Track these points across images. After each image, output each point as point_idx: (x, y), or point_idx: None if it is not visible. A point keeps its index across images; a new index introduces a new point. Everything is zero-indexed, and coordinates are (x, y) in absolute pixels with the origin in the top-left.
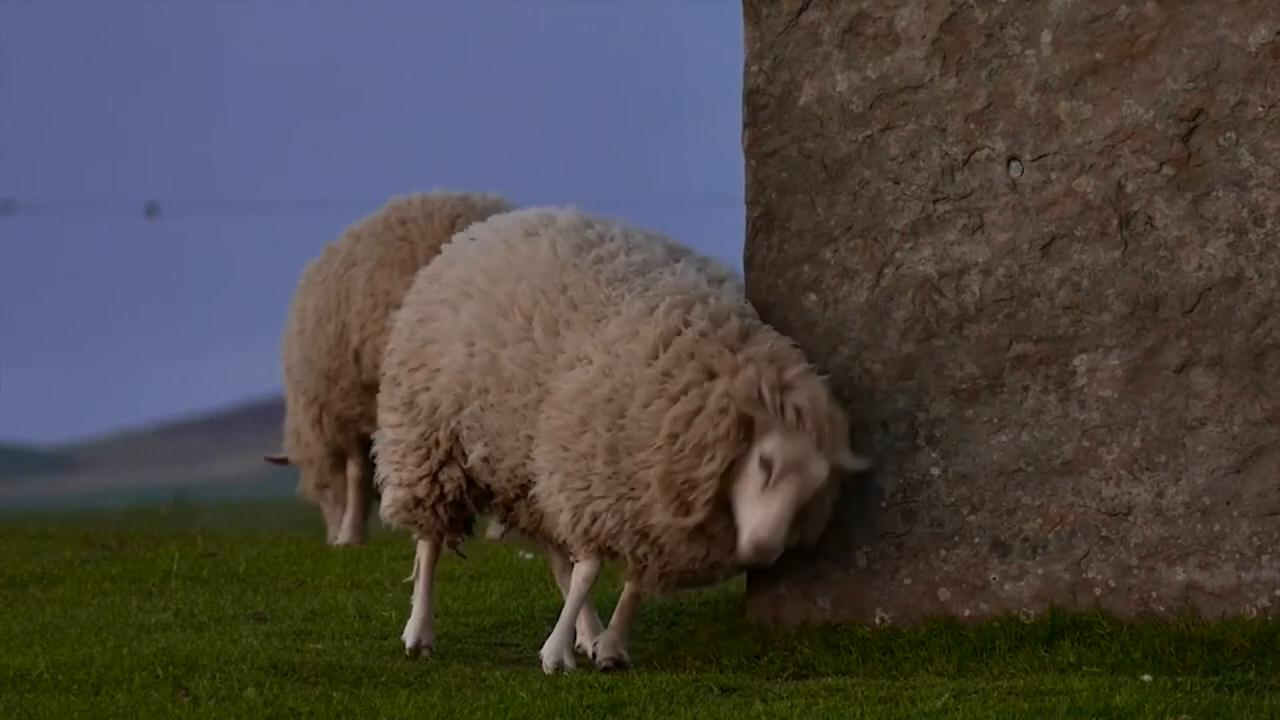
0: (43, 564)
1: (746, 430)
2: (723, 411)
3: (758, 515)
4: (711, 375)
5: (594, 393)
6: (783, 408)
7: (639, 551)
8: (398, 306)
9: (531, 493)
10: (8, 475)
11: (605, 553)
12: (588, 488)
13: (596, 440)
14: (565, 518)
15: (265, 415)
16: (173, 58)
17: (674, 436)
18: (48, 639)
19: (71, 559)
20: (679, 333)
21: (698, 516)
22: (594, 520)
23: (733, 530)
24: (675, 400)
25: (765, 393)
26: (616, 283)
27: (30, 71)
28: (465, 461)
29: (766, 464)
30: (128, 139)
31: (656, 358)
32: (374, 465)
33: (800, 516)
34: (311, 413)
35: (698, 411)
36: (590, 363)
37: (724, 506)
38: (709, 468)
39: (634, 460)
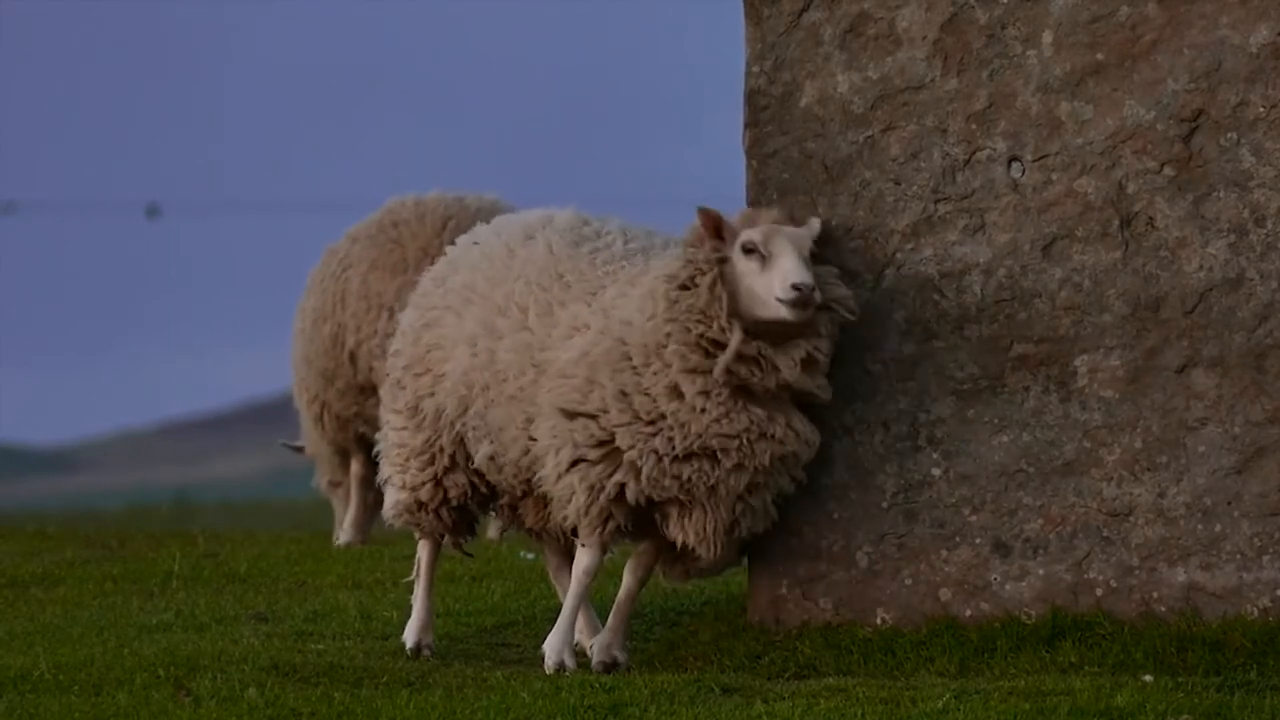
0: (43, 564)
1: (720, 252)
2: (689, 263)
3: (775, 275)
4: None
5: (594, 351)
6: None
7: (688, 478)
8: (390, 308)
9: (538, 476)
10: (8, 475)
11: (621, 531)
12: (607, 453)
13: (604, 392)
14: (581, 499)
15: (266, 415)
16: (174, 58)
17: (672, 305)
18: (49, 639)
19: (72, 559)
20: (670, 273)
21: (736, 337)
22: (621, 489)
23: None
24: (671, 301)
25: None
26: (613, 262)
27: (31, 71)
28: (471, 464)
29: (749, 247)
30: (128, 139)
31: (652, 298)
32: (376, 464)
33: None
34: (314, 410)
35: (677, 281)
36: (588, 328)
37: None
38: (705, 289)
39: (643, 386)
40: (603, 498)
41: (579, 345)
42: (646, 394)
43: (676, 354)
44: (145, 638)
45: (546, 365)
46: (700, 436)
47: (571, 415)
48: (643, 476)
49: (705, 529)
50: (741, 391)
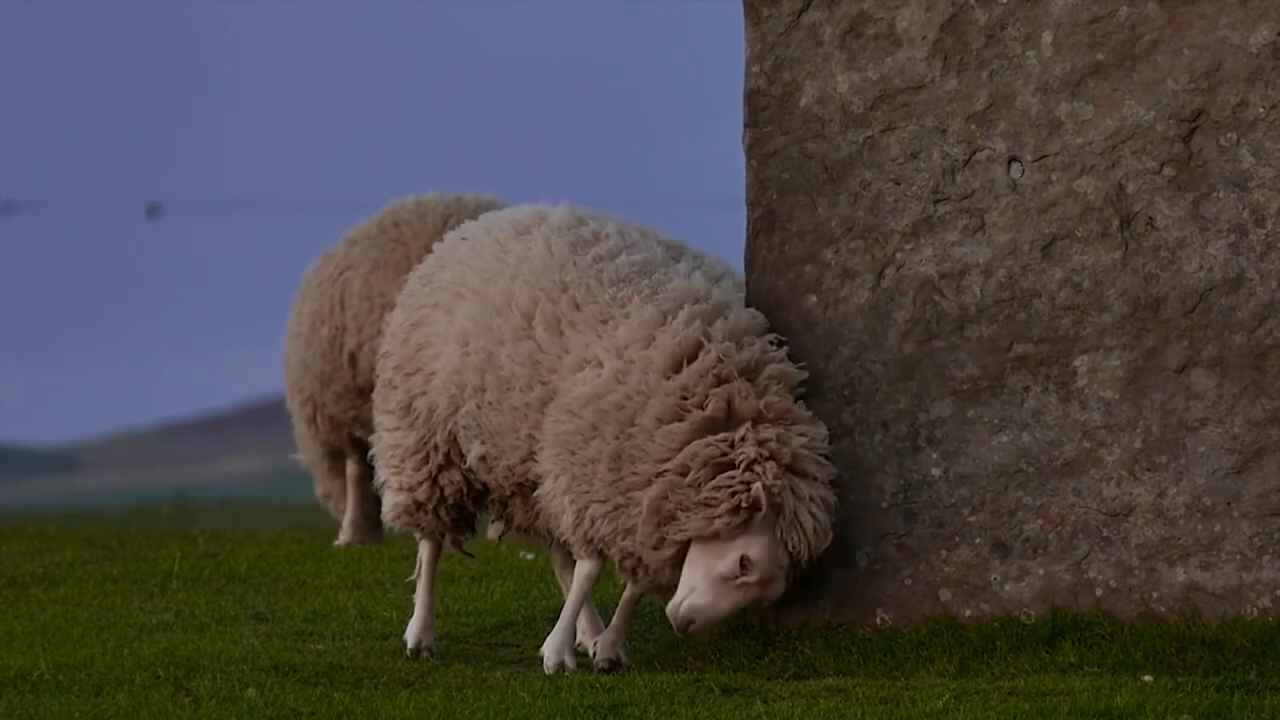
0: (44, 564)
1: (750, 514)
2: (745, 486)
3: (704, 599)
4: (732, 409)
5: (606, 399)
6: (790, 524)
7: (626, 563)
8: (393, 308)
9: (536, 494)
10: (8, 475)
11: (605, 555)
12: (589, 490)
13: (603, 447)
14: (569, 519)
15: (265, 416)
16: (174, 57)
17: (686, 470)
18: (49, 639)
19: (72, 559)
20: (700, 346)
21: (666, 553)
22: (592, 523)
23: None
24: (698, 429)
25: (785, 500)
26: (620, 283)
27: (30, 71)
28: (464, 463)
29: (745, 566)
30: (128, 139)
31: (677, 370)
32: (373, 465)
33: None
34: (306, 412)
35: (722, 463)
36: (600, 366)
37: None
38: (698, 524)
39: (635, 472)
40: (585, 523)
41: (590, 384)
42: (635, 474)
43: (653, 492)
44: (145, 638)
45: (555, 392)
46: (652, 575)
47: (572, 451)
48: (599, 529)
49: (645, 588)
50: None
